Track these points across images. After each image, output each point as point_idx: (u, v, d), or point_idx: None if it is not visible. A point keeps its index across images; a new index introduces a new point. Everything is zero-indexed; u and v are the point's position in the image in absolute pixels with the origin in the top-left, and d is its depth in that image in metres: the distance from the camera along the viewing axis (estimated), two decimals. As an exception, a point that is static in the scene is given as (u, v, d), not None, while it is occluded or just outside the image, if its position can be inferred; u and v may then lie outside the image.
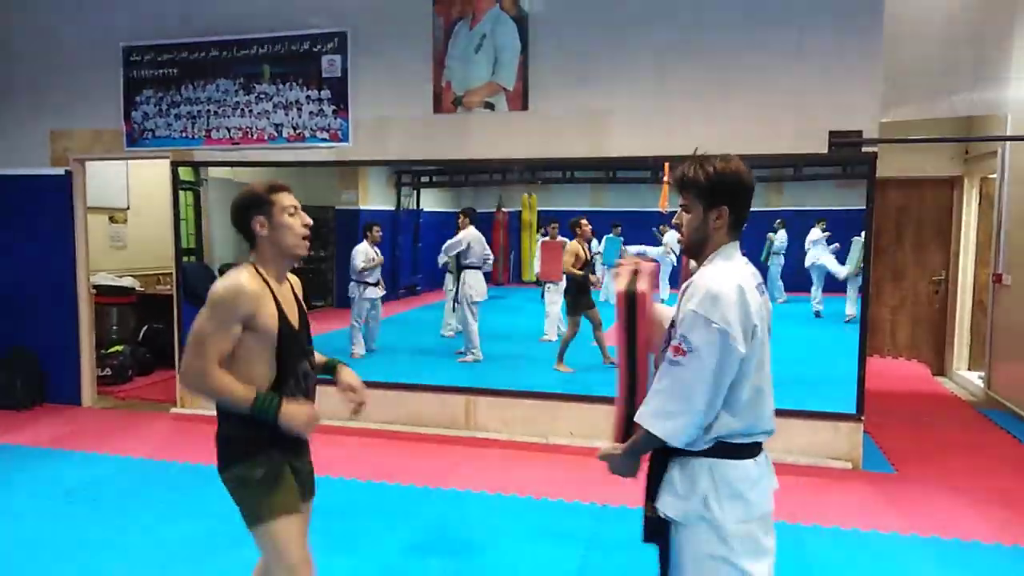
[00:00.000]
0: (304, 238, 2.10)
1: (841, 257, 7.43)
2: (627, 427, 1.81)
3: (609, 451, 1.83)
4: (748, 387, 1.72)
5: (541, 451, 4.85)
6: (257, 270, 2.07)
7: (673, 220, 1.88)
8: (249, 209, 2.06)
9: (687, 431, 1.68)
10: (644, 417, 1.72)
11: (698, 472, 1.74)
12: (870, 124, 4.39)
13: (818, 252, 7.71)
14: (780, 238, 8.12)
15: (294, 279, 2.25)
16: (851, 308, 7.00)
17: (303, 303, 2.21)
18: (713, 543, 1.74)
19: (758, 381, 1.74)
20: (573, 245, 6.21)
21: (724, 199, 1.76)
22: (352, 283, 6.86)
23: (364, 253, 6.84)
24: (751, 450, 1.77)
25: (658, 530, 1.82)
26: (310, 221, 2.13)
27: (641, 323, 1.82)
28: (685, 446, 1.72)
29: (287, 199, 2.09)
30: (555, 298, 6.83)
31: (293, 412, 2.01)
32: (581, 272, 6.14)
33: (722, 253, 1.78)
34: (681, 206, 1.83)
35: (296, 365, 2.10)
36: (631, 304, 1.81)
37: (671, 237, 6.75)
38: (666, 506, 1.76)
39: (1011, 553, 3.43)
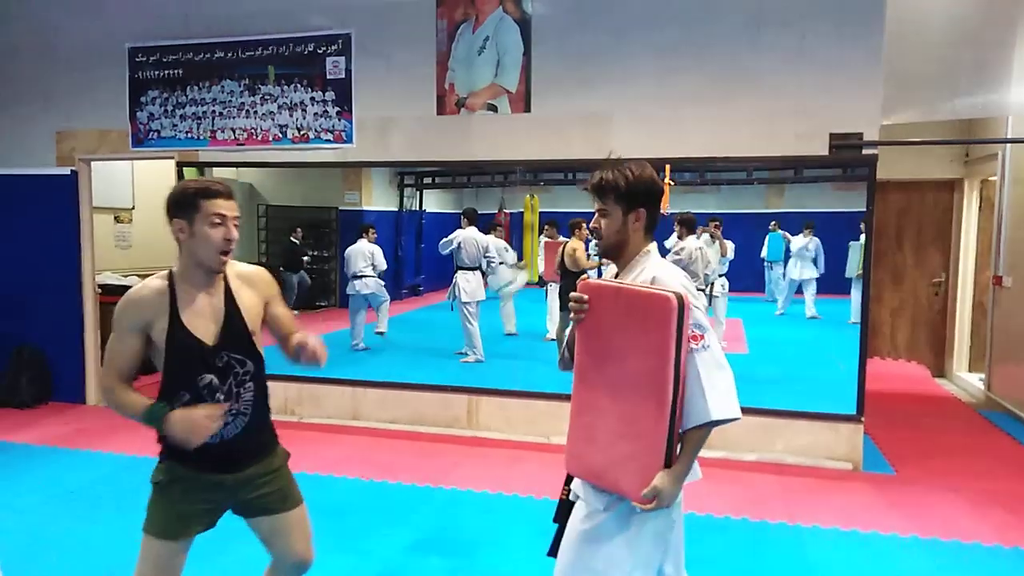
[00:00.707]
0: (223, 252, 1.95)
1: (840, 263, 7.42)
2: (669, 446, 1.71)
3: (659, 488, 1.69)
4: None
5: (543, 451, 4.87)
6: (171, 277, 1.99)
7: (591, 224, 1.94)
8: (173, 210, 1.96)
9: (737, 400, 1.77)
10: (722, 411, 1.72)
11: None
12: (871, 126, 4.42)
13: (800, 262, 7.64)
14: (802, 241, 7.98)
15: (253, 276, 2.12)
16: (854, 315, 7.04)
17: (239, 305, 2.03)
18: (663, 518, 1.82)
19: None
20: (575, 242, 6.27)
21: (642, 202, 1.87)
22: (351, 279, 7.01)
23: (362, 254, 6.99)
24: None
25: (568, 512, 1.93)
26: (235, 235, 1.96)
27: (685, 334, 1.71)
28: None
29: (215, 206, 1.92)
30: (555, 297, 6.89)
31: (175, 419, 1.89)
32: (580, 270, 6.21)
33: (652, 254, 1.90)
34: (599, 210, 1.91)
35: (192, 378, 1.96)
36: (682, 313, 1.68)
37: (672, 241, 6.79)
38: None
39: (1012, 555, 3.44)
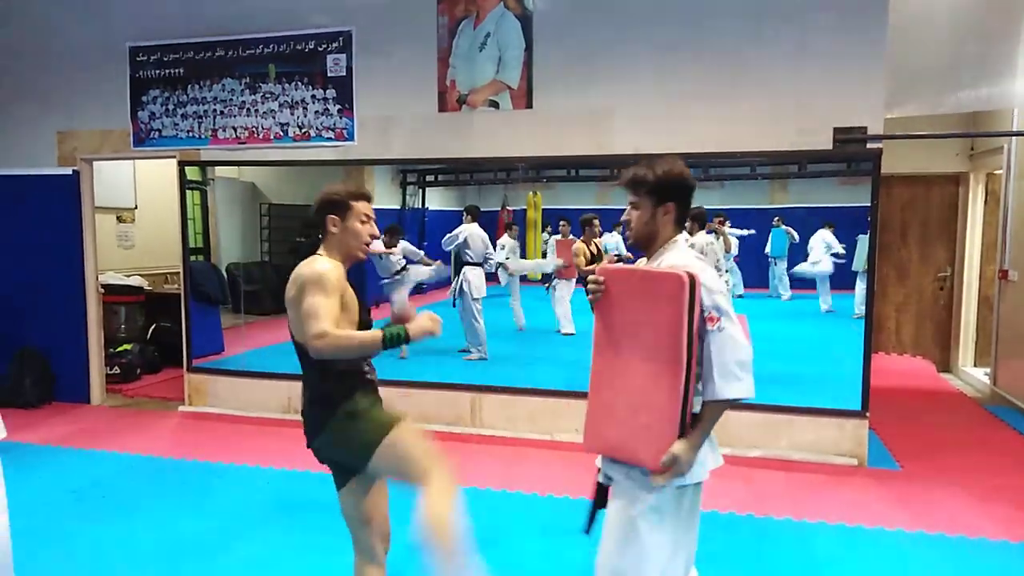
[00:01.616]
0: (366, 244, 2.33)
1: (848, 257, 7.37)
2: (683, 417, 1.81)
3: (677, 454, 1.80)
4: None
5: (547, 448, 4.86)
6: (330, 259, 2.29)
7: (623, 217, 2.06)
8: (329, 207, 2.29)
9: (752, 381, 1.86)
10: (732, 391, 1.82)
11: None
12: (875, 120, 4.39)
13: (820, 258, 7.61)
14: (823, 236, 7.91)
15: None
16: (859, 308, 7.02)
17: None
18: (693, 495, 1.98)
19: None
20: (578, 245, 6.26)
21: (672, 196, 1.98)
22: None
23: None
24: None
25: (605, 495, 2.07)
26: (377, 233, 2.37)
27: (696, 312, 1.81)
28: None
29: (364, 208, 2.31)
30: (562, 294, 6.87)
31: (420, 324, 2.24)
32: (589, 268, 6.21)
33: (678, 243, 2.00)
34: (631, 203, 2.03)
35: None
36: (692, 290, 1.79)
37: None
38: (693, 473, 1.88)
39: (1018, 550, 3.42)
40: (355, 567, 2.47)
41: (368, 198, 2.35)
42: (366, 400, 2.34)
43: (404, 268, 6.94)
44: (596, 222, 6.31)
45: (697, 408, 1.87)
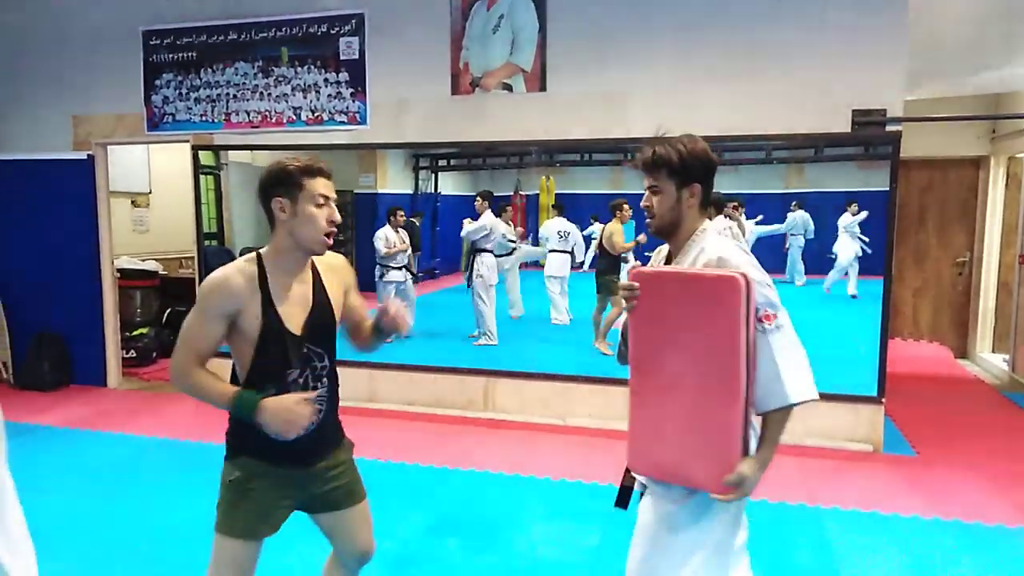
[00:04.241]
0: (327, 235, 1.88)
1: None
2: (744, 434, 1.65)
3: (746, 474, 1.63)
4: None
5: (559, 432, 4.86)
6: (260, 261, 1.89)
7: (642, 203, 1.85)
8: (274, 187, 1.86)
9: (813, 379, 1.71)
10: (802, 393, 1.66)
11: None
12: (895, 102, 4.31)
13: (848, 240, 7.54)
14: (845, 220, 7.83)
15: (334, 263, 2.03)
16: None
17: (328, 294, 1.97)
18: (735, 506, 1.79)
19: None
20: (614, 225, 6.24)
21: (696, 176, 1.78)
22: (376, 266, 6.91)
23: (384, 239, 6.88)
24: None
25: (628, 496, 1.94)
26: (338, 218, 1.90)
27: (752, 316, 1.63)
28: None
29: (319, 186, 1.86)
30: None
31: (270, 408, 1.79)
32: (618, 253, 6.22)
33: (708, 232, 1.80)
34: (650, 187, 1.82)
35: (281, 371, 1.88)
36: (748, 291, 1.61)
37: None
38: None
39: (1035, 536, 3.40)
40: (329, 557, 2.23)
41: (326, 174, 1.89)
42: (239, 473, 1.91)
43: (515, 248, 7.19)
44: (626, 206, 6.28)
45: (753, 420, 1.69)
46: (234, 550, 1.90)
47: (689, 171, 1.77)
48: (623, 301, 1.79)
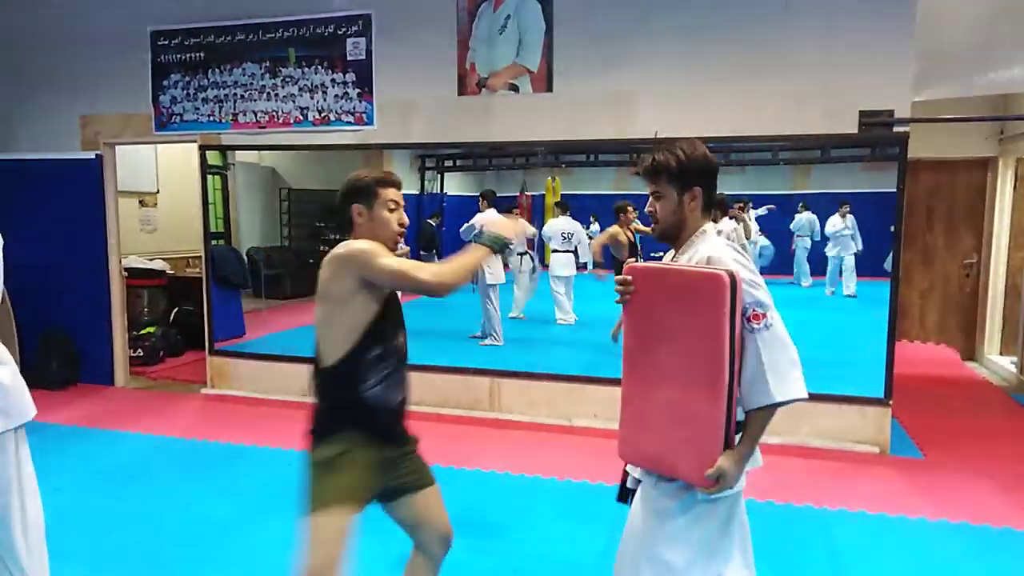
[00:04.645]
0: (398, 235, 2.14)
1: (868, 243, 7.33)
2: (727, 428, 1.69)
3: (724, 468, 1.66)
4: None
5: (565, 433, 4.86)
6: None
7: (646, 208, 1.91)
8: (353, 195, 2.11)
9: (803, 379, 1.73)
10: (787, 392, 1.69)
11: None
12: (902, 103, 4.30)
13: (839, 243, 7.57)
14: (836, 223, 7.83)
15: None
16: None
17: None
18: (727, 507, 1.82)
19: None
20: (615, 228, 6.19)
21: (697, 180, 1.84)
22: None
23: None
24: None
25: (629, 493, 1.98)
26: (406, 220, 2.16)
27: (738, 314, 1.67)
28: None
29: (391, 194, 2.12)
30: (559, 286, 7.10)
31: (504, 224, 2.13)
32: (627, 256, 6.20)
33: (708, 233, 1.86)
34: (652, 193, 1.88)
35: (395, 331, 2.13)
36: (734, 290, 1.65)
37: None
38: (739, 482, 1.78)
39: (1043, 539, 3.38)
40: (410, 558, 2.32)
41: (397, 184, 2.16)
42: (347, 445, 2.03)
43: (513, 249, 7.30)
44: (631, 209, 6.24)
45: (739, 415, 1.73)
46: (339, 522, 1.98)
47: (689, 175, 1.83)
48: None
